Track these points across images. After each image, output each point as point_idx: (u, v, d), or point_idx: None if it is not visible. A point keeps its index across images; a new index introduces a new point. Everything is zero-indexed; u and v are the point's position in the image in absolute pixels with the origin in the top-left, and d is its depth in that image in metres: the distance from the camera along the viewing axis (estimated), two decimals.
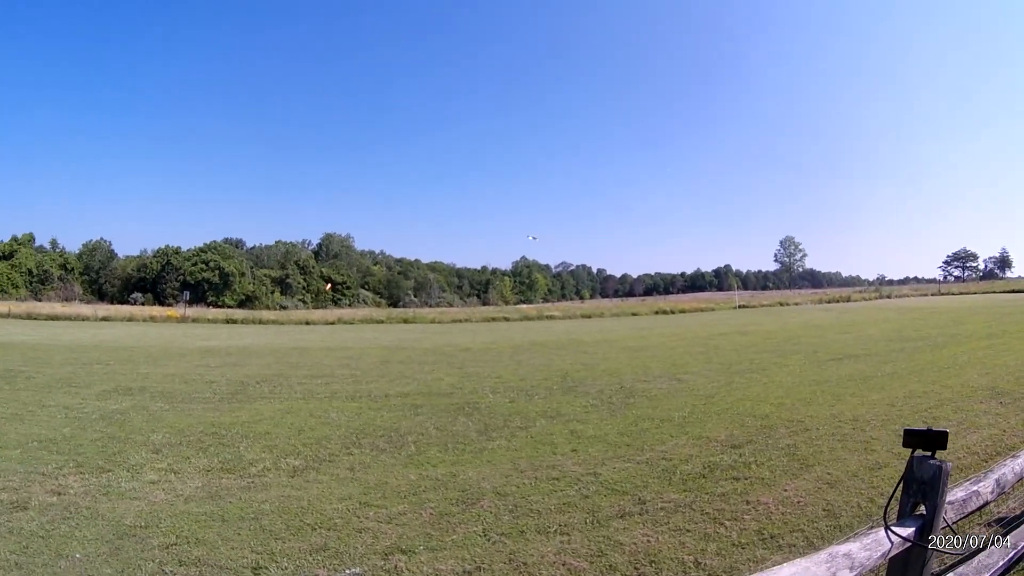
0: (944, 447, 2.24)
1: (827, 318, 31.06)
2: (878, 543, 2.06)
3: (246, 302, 75.23)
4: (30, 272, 72.65)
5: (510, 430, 7.84)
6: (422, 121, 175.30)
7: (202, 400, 10.07)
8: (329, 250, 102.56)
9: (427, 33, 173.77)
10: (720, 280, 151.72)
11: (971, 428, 7.27)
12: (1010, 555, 3.02)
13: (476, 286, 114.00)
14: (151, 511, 4.98)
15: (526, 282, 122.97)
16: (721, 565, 3.93)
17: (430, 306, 79.53)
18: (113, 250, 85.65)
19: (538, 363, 15.01)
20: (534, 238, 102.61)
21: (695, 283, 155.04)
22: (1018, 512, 4.16)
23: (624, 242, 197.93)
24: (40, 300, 60.40)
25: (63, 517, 4.82)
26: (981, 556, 2.86)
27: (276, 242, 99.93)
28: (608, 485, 5.53)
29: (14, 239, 75.31)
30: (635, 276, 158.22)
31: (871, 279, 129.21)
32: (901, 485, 2.37)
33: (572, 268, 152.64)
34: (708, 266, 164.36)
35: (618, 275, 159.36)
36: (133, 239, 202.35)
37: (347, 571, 3.94)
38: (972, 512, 2.77)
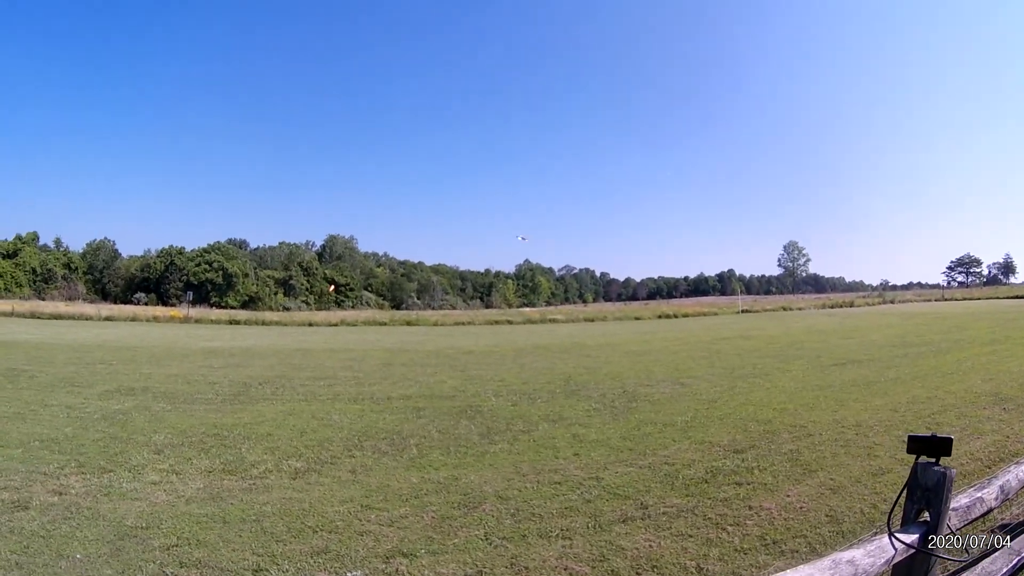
0: (948, 454, 2.23)
1: (830, 323, 30.99)
2: (882, 550, 2.05)
3: (249, 303, 75.33)
4: (34, 271, 72.94)
5: (512, 434, 7.83)
6: (425, 122, 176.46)
7: (204, 401, 10.08)
8: (333, 252, 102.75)
9: (429, 33, 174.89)
10: (723, 284, 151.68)
11: (974, 434, 7.24)
12: (1014, 561, 3.00)
13: (479, 289, 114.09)
14: (152, 512, 4.98)
15: (529, 285, 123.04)
16: (723, 571, 3.91)
17: (433, 308, 79.62)
18: (117, 250, 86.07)
19: (541, 366, 15.00)
20: (524, 239, 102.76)
21: (698, 287, 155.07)
22: (1022, 518, 4.13)
23: (627, 246, 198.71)
24: (44, 299, 60.63)
25: (64, 517, 4.82)
26: (985, 563, 2.84)
27: (280, 243, 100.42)
28: (610, 489, 5.51)
29: (18, 238, 75.70)
30: (638, 280, 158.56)
31: (875, 284, 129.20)
32: (905, 491, 2.36)
33: (575, 271, 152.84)
34: (711, 270, 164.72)
35: (621, 279, 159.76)
36: (137, 239, 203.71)
37: (348, 574, 3.94)
38: (976, 519, 2.76)
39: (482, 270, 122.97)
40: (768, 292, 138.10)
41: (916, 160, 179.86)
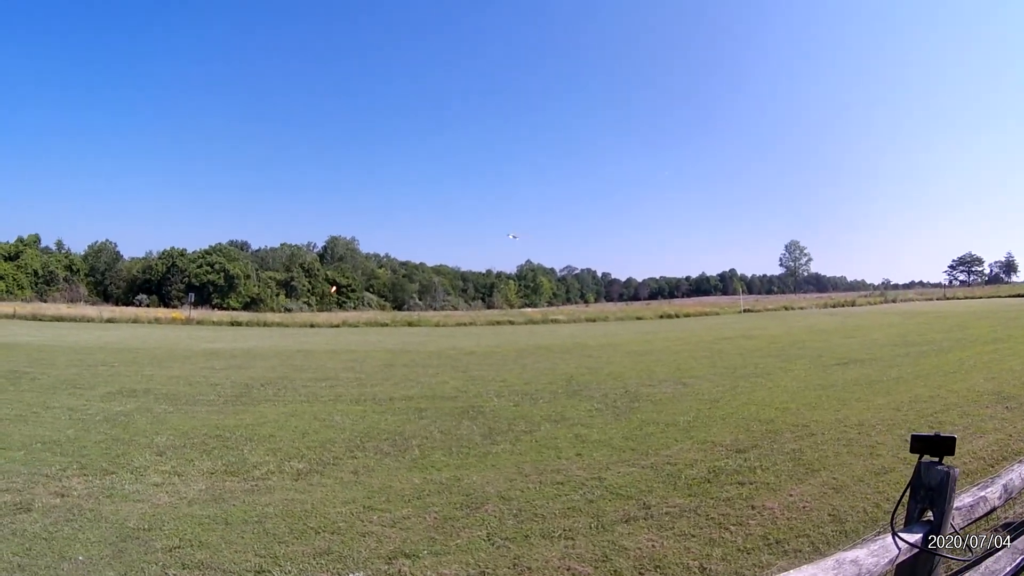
0: (952, 453, 2.23)
1: (832, 322, 30.95)
2: (885, 549, 2.05)
3: (251, 304, 75.36)
4: (35, 273, 73.06)
5: (514, 434, 7.83)
6: (426, 122, 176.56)
7: (206, 402, 10.09)
8: (334, 253, 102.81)
9: (429, 33, 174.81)
10: (725, 284, 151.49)
11: (977, 433, 7.23)
12: (1017, 560, 2.99)
13: (481, 289, 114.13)
14: (154, 514, 4.98)
15: (531, 286, 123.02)
16: (726, 571, 3.91)
17: (435, 309, 79.66)
18: (118, 252, 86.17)
19: (543, 367, 14.99)
20: (514, 236, 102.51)
21: (700, 287, 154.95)
22: None
23: (629, 246, 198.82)
24: (45, 301, 60.73)
25: (66, 519, 4.82)
26: (988, 562, 2.83)
27: (281, 244, 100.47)
28: (613, 490, 5.51)
29: (20, 240, 75.83)
30: (640, 280, 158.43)
31: (876, 283, 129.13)
32: (908, 491, 2.36)
33: (577, 272, 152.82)
34: (713, 270, 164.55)
35: (623, 279, 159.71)
36: (138, 241, 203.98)
37: (351, 575, 3.94)
38: (979, 518, 2.75)
39: (483, 271, 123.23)
40: (770, 292, 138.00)
41: (917, 159, 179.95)
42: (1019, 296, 57.90)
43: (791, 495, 5.25)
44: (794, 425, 7.89)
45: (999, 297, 59.94)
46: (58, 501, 5.25)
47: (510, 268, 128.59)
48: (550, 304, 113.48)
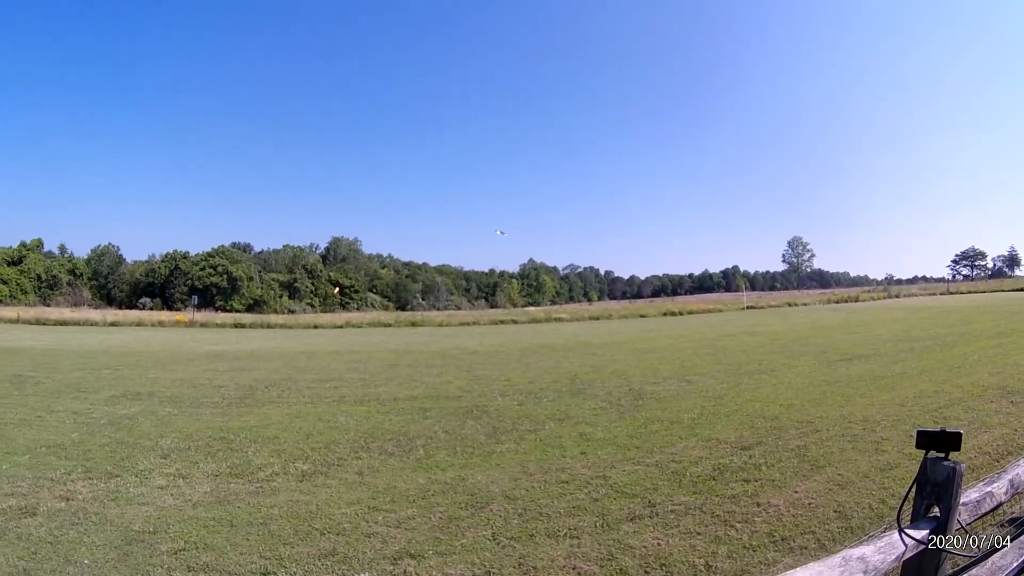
0: (958, 448, 2.21)
1: (835, 318, 30.88)
2: (892, 546, 2.04)
3: (254, 306, 75.48)
4: (39, 278, 73.21)
5: (519, 433, 7.83)
6: (426, 122, 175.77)
7: (211, 405, 10.11)
8: (337, 254, 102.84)
9: (429, 34, 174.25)
10: (728, 281, 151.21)
11: (982, 428, 7.20)
12: None
13: (484, 289, 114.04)
14: (160, 516, 4.99)
15: (534, 284, 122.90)
16: (732, 568, 3.90)
17: (438, 309, 79.63)
18: (121, 255, 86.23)
19: (546, 365, 14.99)
20: (502, 232, 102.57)
21: (703, 284, 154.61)
22: None
23: (631, 244, 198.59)
24: (49, 305, 60.68)
25: (71, 523, 4.84)
26: (995, 557, 2.82)
27: (284, 246, 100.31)
28: (618, 488, 5.50)
29: (23, 245, 75.96)
30: (643, 278, 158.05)
31: (879, 279, 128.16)
32: (914, 487, 2.34)
33: (580, 270, 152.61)
34: (716, 267, 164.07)
35: (626, 277, 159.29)
36: (141, 244, 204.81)
37: None
38: (986, 513, 2.74)
39: (486, 270, 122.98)
40: (773, 288, 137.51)
41: (919, 154, 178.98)
42: (1022, 290, 57.68)
43: (796, 492, 5.24)
44: (798, 422, 7.88)
45: (1003, 291, 59.69)
46: (63, 505, 5.27)
47: (513, 267, 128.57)
48: (553, 303, 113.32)
